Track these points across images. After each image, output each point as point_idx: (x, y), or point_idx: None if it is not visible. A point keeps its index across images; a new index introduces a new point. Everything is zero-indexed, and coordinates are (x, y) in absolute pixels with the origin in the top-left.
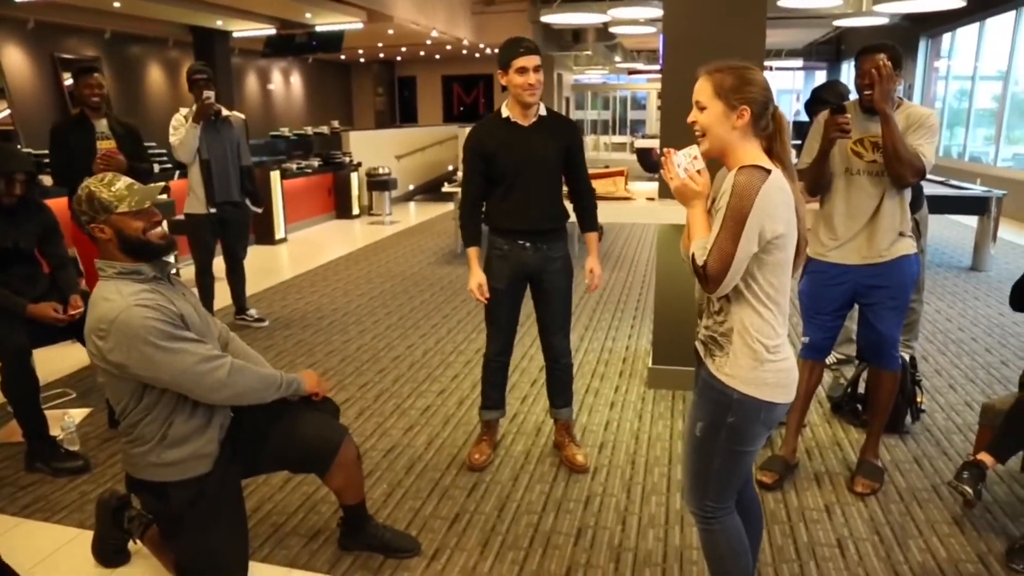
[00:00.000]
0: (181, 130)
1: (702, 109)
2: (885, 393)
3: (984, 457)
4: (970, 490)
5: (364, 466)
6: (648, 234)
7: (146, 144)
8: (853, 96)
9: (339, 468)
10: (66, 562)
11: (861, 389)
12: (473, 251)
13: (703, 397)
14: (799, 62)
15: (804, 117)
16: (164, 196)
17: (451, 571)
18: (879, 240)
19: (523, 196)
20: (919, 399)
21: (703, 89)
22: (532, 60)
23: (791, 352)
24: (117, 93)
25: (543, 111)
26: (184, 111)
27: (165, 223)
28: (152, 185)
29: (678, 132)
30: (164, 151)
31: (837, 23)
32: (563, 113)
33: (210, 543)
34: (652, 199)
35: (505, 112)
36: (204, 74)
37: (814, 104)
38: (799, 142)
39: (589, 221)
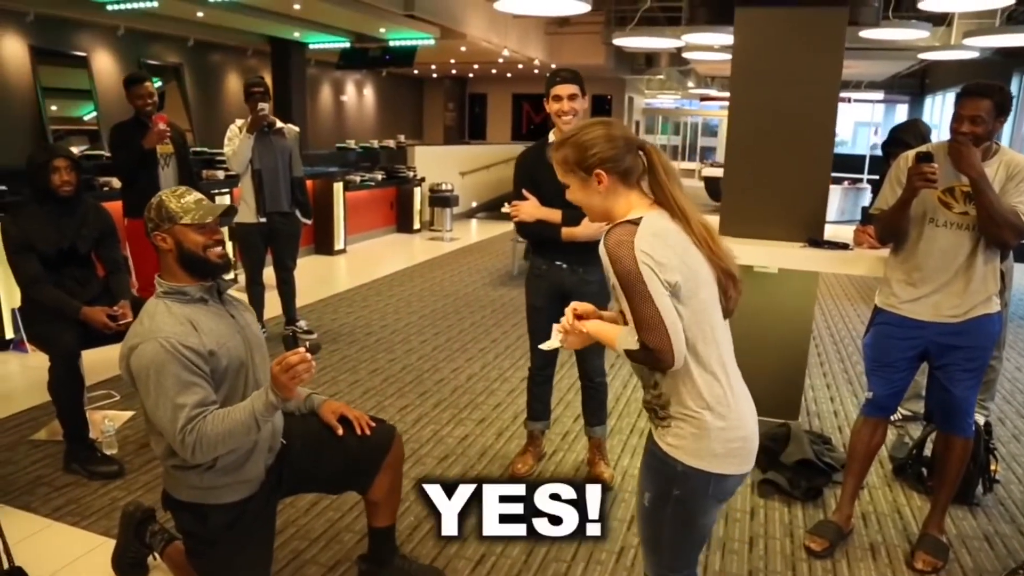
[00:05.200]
0: (235, 140)
1: (568, 187)
2: (955, 461)
3: None
4: None
5: None
6: None
7: (215, 151)
8: (936, 135)
9: (388, 468)
10: (85, 571)
11: (928, 451)
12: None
13: (648, 466)
14: (879, 94)
15: (879, 151)
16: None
17: None
18: (963, 300)
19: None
20: (993, 468)
21: (557, 169)
22: (566, 88)
23: (746, 413)
24: (197, 98)
25: None
26: (240, 122)
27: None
28: (218, 204)
29: (742, 163)
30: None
31: (923, 56)
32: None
33: (236, 567)
34: None
35: (552, 138)
36: (260, 87)
37: (893, 145)
38: (876, 177)
39: None
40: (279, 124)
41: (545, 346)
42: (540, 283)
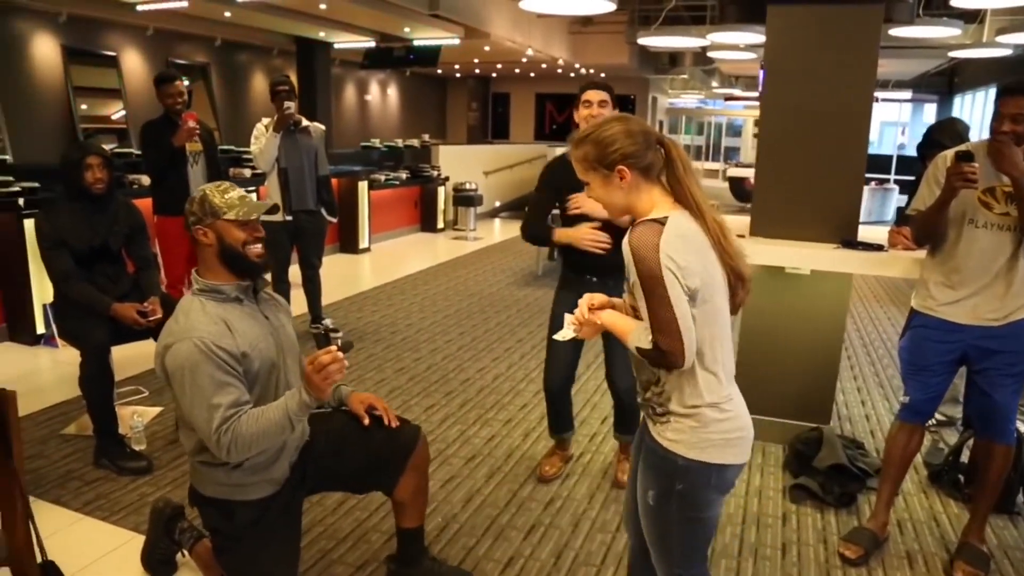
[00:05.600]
0: (262, 139)
1: (588, 184)
2: (996, 469)
3: None
4: None
5: None
6: None
7: (242, 149)
8: (973, 135)
9: (413, 470)
10: (115, 566)
11: (964, 457)
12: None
13: (647, 463)
14: (908, 93)
15: (908, 152)
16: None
17: None
18: (1004, 303)
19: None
20: None
21: (577, 168)
22: (597, 94)
23: (742, 407)
24: (224, 97)
25: None
26: (265, 121)
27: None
28: (263, 201)
29: (775, 164)
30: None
31: (953, 54)
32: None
33: (262, 564)
34: (742, 236)
35: None
36: (286, 85)
37: (928, 147)
38: (911, 178)
39: None
40: (305, 123)
41: (559, 336)
42: (568, 295)
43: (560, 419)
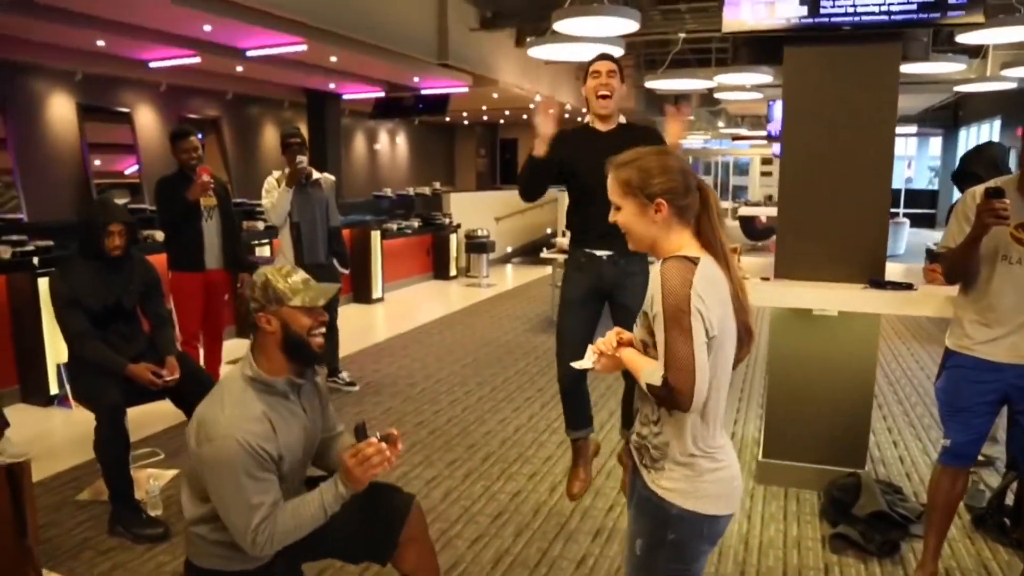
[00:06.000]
0: (274, 193)
1: (618, 208)
2: None
3: None
4: None
5: (448, 556)
6: (758, 315)
7: (254, 202)
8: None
9: (409, 544)
10: None
11: (1009, 500)
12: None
13: (640, 511)
14: (913, 128)
15: (916, 185)
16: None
17: None
18: None
19: (599, 204)
20: None
21: (613, 189)
22: (605, 65)
23: (733, 457)
24: (235, 151)
25: (623, 120)
26: (276, 174)
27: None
28: (329, 285)
29: (798, 204)
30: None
31: (958, 88)
32: None
33: None
34: (767, 279)
35: (588, 120)
36: (298, 138)
37: (963, 180)
38: (921, 211)
39: None
40: (316, 175)
41: (578, 365)
42: (580, 276)
43: (577, 415)
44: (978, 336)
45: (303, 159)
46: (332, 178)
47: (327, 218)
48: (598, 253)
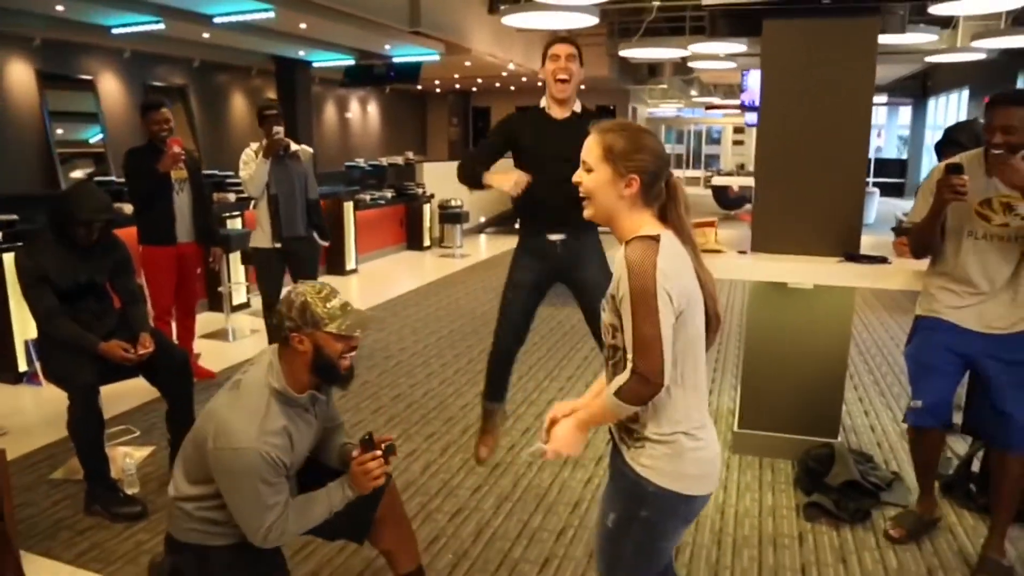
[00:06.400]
0: (251, 164)
1: (589, 171)
2: (1012, 480)
3: None
4: None
5: (428, 530)
6: (735, 287)
7: (224, 173)
8: None
9: (385, 522)
10: None
11: (975, 467)
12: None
13: (615, 486)
14: (883, 97)
15: (886, 154)
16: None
17: None
18: (1010, 310)
19: (551, 189)
20: None
21: (591, 150)
22: (565, 48)
23: (714, 437)
24: (203, 119)
25: (578, 108)
26: (255, 146)
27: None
28: (367, 315)
29: (775, 177)
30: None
31: (929, 59)
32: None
33: None
34: (744, 252)
35: (543, 103)
36: (274, 110)
37: (948, 146)
38: (891, 181)
39: None
40: (294, 147)
41: (528, 454)
42: (531, 261)
43: (498, 389)
44: (947, 301)
45: (279, 130)
46: (310, 150)
47: (306, 190)
48: (552, 237)
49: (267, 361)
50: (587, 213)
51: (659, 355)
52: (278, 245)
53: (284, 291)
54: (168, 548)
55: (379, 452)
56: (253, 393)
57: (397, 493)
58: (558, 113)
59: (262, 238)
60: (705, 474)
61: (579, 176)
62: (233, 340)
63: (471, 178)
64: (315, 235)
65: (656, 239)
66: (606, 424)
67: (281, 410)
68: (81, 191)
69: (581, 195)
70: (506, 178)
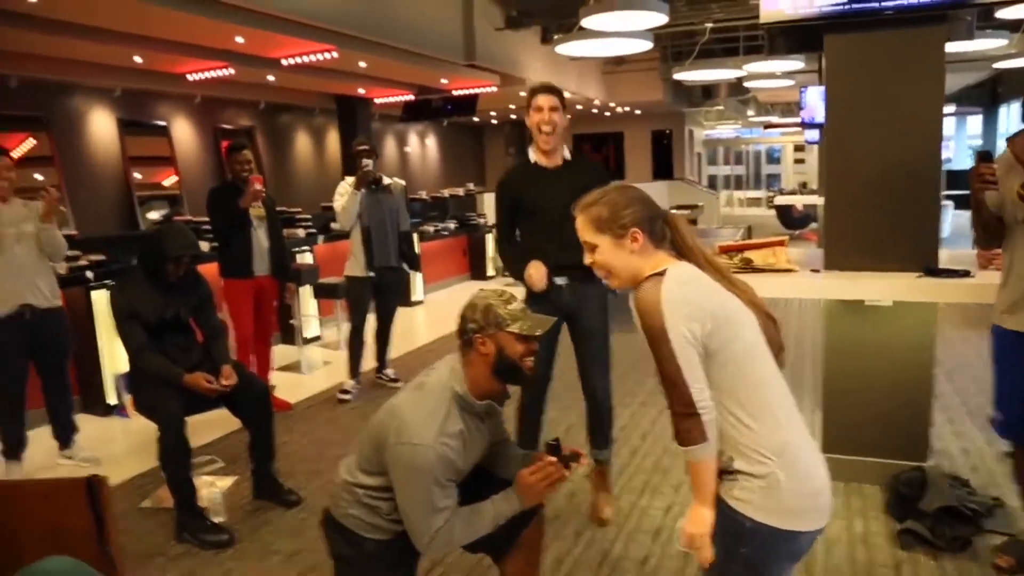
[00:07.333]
0: (344, 196)
1: (593, 248)
2: None
3: None
4: None
5: None
6: (809, 307)
7: (293, 209)
8: None
9: (523, 547)
10: None
11: None
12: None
13: (718, 522)
14: (951, 107)
15: (956, 165)
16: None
17: None
18: None
19: (551, 236)
20: None
21: (585, 229)
22: (548, 99)
23: (818, 464)
24: (269, 159)
25: (567, 155)
26: (350, 179)
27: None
28: (545, 317)
29: (845, 194)
30: (309, 216)
31: (997, 65)
32: (695, 168)
33: None
34: (817, 270)
35: (532, 156)
36: (365, 145)
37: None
38: (963, 193)
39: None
40: (386, 180)
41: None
42: (540, 307)
43: (526, 438)
44: (1000, 306)
45: (368, 163)
46: (402, 183)
47: (397, 222)
48: (558, 281)
49: (450, 366)
50: (614, 284)
51: (684, 385)
52: (371, 274)
53: (468, 298)
54: (324, 524)
55: (556, 458)
56: (436, 395)
57: (544, 522)
58: (548, 163)
59: (356, 267)
60: (808, 508)
61: (588, 258)
62: (307, 372)
63: (515, 276)
64: (404, 265)
65: (661, 274)
66: (708, 481)
67: (460, 415)
68: (169, 229)
69: (600, 275)
70: (529, 280)
